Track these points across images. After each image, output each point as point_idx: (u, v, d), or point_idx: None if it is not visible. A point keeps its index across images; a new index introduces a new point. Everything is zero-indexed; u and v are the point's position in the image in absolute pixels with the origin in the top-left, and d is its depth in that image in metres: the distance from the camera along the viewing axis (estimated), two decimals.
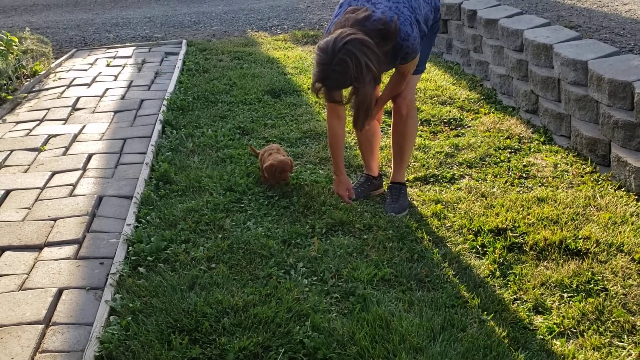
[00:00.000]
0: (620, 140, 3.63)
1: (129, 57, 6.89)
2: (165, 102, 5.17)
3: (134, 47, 7.35)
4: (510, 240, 3.08)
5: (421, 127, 4.66)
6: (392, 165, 3.62)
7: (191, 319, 2.53)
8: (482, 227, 3.21)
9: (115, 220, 3.41)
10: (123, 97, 5.48)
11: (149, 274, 2.87)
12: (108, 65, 6.58)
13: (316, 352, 2.34)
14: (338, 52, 2.74)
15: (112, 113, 5.11)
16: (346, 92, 3.03)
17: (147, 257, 2.99)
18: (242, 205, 3.53)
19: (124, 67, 6.46)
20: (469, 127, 4.64)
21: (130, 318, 2.54)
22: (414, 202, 3.55)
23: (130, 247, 3.08)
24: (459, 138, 4.41)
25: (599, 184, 3.64)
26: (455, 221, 3.31)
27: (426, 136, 4.49)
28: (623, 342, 2.42)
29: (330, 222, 3.31)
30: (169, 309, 2.59)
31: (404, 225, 3.28)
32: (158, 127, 4.65)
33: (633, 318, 2.54)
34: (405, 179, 3.66)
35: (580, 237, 3.08)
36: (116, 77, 6.13)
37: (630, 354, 2.35)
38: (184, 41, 7.41)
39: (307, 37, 7.54)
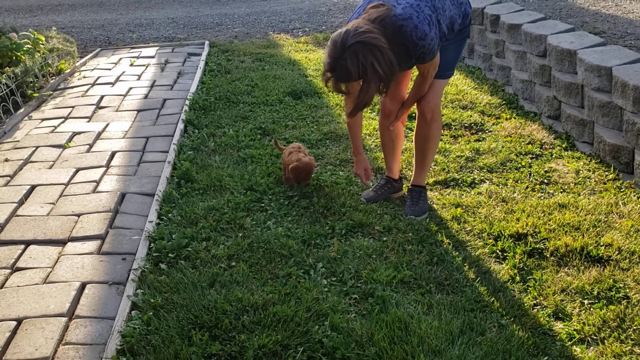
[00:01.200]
0: None
1: (152, 57, 6.97)
2: (187, 102, 5.22)
3: (157, 48, 7.43)
4: (530, 246, 3.06)
5: (442, 131, 4.64)
6: (413, 169, 3.60)
7: (211, 315, 2.56)
8: (503, 232, 3.20)
9: (137, 217, 3.45)
10: (146, 97, 5.55)
11: (170, 271, 2.90)
12: (132, 64, 6.66)
13: (335, 351, 2.36)
14: (347, 49, 2.74)
15: (135, 112, 5.17)
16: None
17: (169, 254, 3.02)
18: (263, 204, 3.56)
19: (147, 66, 6.53)
20: (490, 131, 4.62)
21: (151, 313, 2.57)
22: (434, 205, 3.55)
23: (152, 244, 3.12)
24: (480, 143, 4.40)
25: (621, 191, 3.61)
26: (475, 225, 3.30)
27: (447, 140, 4.48)
28: None
29: (350, 223, 3.32)
30: (190, 305, 2.62)
31: (423, 228, 3.28)
32: (180, 126, 4.70)
33: None
34: (426, 183, 3.66)
35: (602, 244, 3.05)
36: (139, 76, 6.20)
37: None
38: (207, 42, 7.47)
39: (328, 39, 7.56)
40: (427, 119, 3.31)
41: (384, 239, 3.19)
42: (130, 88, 5.80)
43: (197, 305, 2.62)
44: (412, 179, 3.58)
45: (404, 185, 3.74)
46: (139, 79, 6.11)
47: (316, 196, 3.62)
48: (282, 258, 3.02)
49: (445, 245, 3.12)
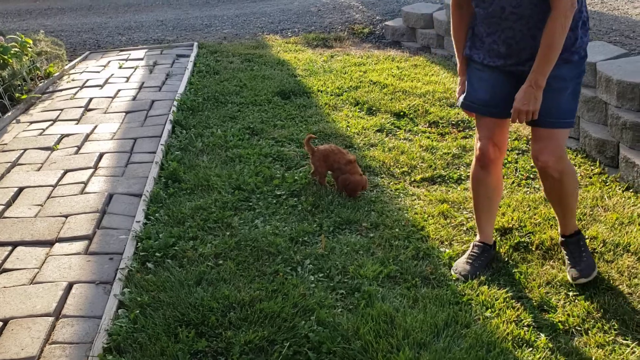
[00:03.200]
0: (628, 141, 3.63)
1: (141, 59, 6.96)
2: (175, 103, 5.22)
3: (145, 50, 7.42)
4: (516, 240, 3.09)
5: (429, 128, 4.68)
6: (557, 222, 2.94)
7: (198, 313, 2.56)
8: None
9: (124, 217, 3.45)
10: (134, 98, 5.54)
11: (157, 270, 2.91)
12: (120, 67, 6.66)
13: (321, 346, 2.37)
14: None
15: (124, 113, 5.17)
16: None
17: (156, 253, 3.03)
18: (251, 203, 3.57)
19: (135, 69, 6.53)
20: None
21: (138, 311, 2.57)
22: (420, 201, 3.57)
23: (139, 244, 3.13)
24: (467, 140, 4.42)
25: (607, 185, 3.64)
26: (461, 220, 3.32)
27: (434, 138, 4.50)
28: (627, 340, 2.42)
29: (337, 220, 3.33)
30: (176, 303, 2.63)
31: (410, 224, 3.30)
32: (168, 127, 4.71)
33: (638, 317, 2.54)
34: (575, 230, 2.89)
35: (587, 237, 3.08)
36: (128, 78, 6.20)
37: (634, 352, 2.36)
38: (195, 44, 7.48)
39: (318, 40, 7.58)
40: (556, 177, 2.64)
41: (371, 235, 3.20)
42: (119, 90, 5.79)
43: (184, 303, 2.63)
44: (559, 230, 2.90)
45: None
46: (127, 81, 6.10)
47: (304, 194, 3.63)
48: (269, 256, 3.03)
49: (431, 241, 3.14)
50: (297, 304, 2.62)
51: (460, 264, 2.88)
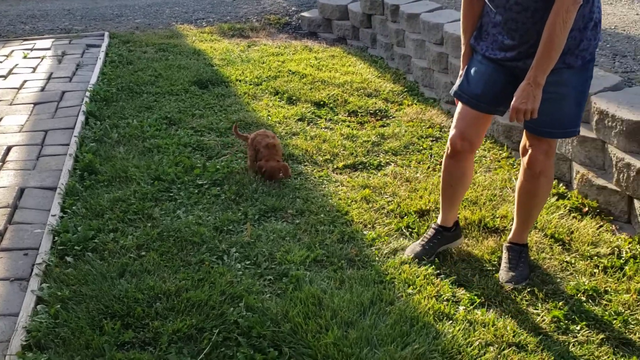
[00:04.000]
0: None
1: (48, 49, 6.62)
2: (88, 94, 5.02)
3: (52, 39, 7.06)
4: (433, 220, 3.22)
5: (349, 117, 4.77)
6: (513, 223, 2.93)
7: (123, 304, 2.51)
8: (408, 209, 3.35)
9: (38, 211, 3.30)
10: (43, 89, 5.28)
11: (77, 263, 2.81)
12: (25, 57, 6.30)
13: (250, 330, 2.39)
14: None
15: (32, 105, 4.92)
16: None
17: (75, 247, 2.92)
18: (171, 194, 3.51)
19: (42, 59, 6.21)
20: (394, 117, 4.79)
21: (59, 306, 2.49)
22: (343, 187, 3.65)
23: (56, 238, 3.01)
24: (385, 128, 4.55)
25: (514, 168, 3.87)
26: (382, 204, 3.43)
27: (354, 126, 4.60)
28: (537, 309, 2.60)
29: (262, 208, 3.35)
30: (99, 296, 2.56)
31: (334, 209, 3.37)
32: (81, 118, 4.53)
33: (546, 287, 2.74)
34: (527, 241, 2.91)
35: (497, 216, 3.27)
36: (34, 69, 5.89)
37: (543, 319, 2.54)
38: (106, 33, 7.20)
39: (233, 30, 7.51)
40: (536, 172, 2.67)
41: (297, 221, 3.25)
42: (25, 81, 5.49)
43: (107, 295, 2.56)
44: (510, 234, 2.91)
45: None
46: (34, 72, 5.79)
47: (227, 183, 3.61)
48: (193, 245, 3.00)
49: (355, 224, 3.23)
50: (225, 292, 2.62)
51: (414, 245, 2.96)
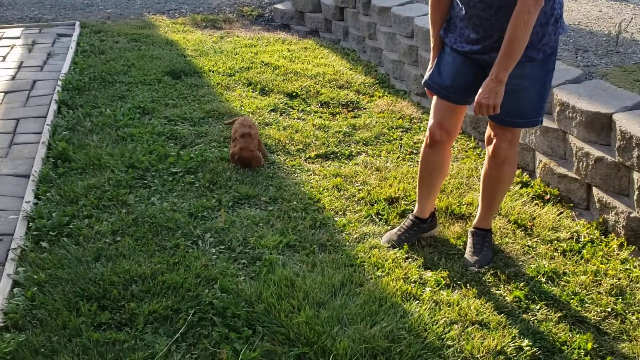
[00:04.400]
0: None
1: (18, 37, 6.55)
2: (60, 83, 5.01)
3: (22, 28, 6.98)
4: (402, 207, 3.34)
5: (321, 108, 4.86)
6: (478, 209, 3.04)
7: (99, 287, 2.56)
8: (378, 197, 3.45)
9: (12, 198, 3.32)
10: (13, 78, 5.24)
11: (52, 248, 2.85)
12: None
13: (225, 311, 2.46)
14: None
15: (2, 94, 4.88)
16: None
17: (49, 232, 2.95)
18: (146, 181, 3.55)
19: (12, 47, 6.14)
20: (365, 109, 4.89)
21: (35, 289, 2.52)
22: (316, 176, 3.74)
23: (30, 223, 3.03)
24: (356, 119, 4.65)
25: (480, 157, 4.00)
26: (353, 192, 3.53)
27: (326, 117, 4.69)
28: (500, 290, 2.74)
29: (236, 195, 3.41)
30: (75, 279, 2.61)
31: (307, 197, 3.45)
32: (53, 107, 4.52)
33: (508, 270, 2.87)
34: (491, 226, 3.04)
35: (464, 203, 3.40)
36: (4, 57, 5.83)
37: (505, 300, 2.67)
38: (77, 23, 7.14)
39: (206, 21, 7.52)
40: (499, 160, 2.79)
41: (270, 208, 3.32)
42: None
43: (83, 278, 2.61)
44: (475, 220, 3.03)
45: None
46: (4, 60, 5.74)
47: (201, 172, 3.67)
48: (168, 231, 3.06)
49: (326, 211, 3.32)
50: (200, 275, 2.69)
51: (390, 234, 3.06)
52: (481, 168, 3.77)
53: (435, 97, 2.86)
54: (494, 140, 2.79)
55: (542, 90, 2.67)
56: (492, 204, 2.96)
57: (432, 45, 2.88)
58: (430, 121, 2.87)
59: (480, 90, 2.54)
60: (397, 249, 2.96)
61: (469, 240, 2.98)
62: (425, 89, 2.91)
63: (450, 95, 2.78)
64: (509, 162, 2.82)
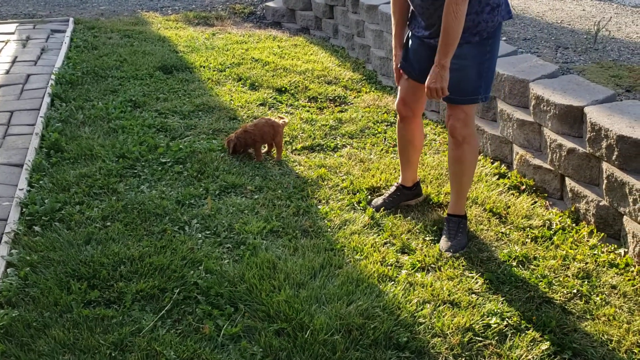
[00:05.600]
0: (479, 111, 4.15)
1: (12, 33, 6.65)
2: (53, 77, 5.12)
3: (16, 24, 7.08)
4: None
5: (309, 103, 4.98)
6: (450, 196, 3.21)
7: (89, 268, 2.68)
8: (360, 186, 3.58)
9: (6, 186, 3.43)
10: (8, 72, 5.35)
11: (44, 232, 2.96)
12: None
13: (209, 290, 2.59)
14: None
15: None
16: None
17: (42, 217, 3.07)
18: (136, 171, 3.67)
19: (7, 42, 6.25)
20: (352, 104, 5.02)
21: (28, 269, 2.64)
22: (301, 167, 3.86)
23: (24, 209, 3.15)
24: (343, 113, 4.78)
25: None
26: (337, 182, 3.65)
27: (313, 111, 4.82)
28: (472, 273, 2.87)
29: (223, 184, 3.54)
30: (67, 261, 2.72)
31: (292, 185, 3.58)
32: (47, 100, 4.63)
33: (481, 254, 3.00)
34: (465, 212, 3.19)
35: (442, 192, 3.53)
36: None
37: (477, 282, 2.80)
38: (71, 19, 7.25)
39: (199, 18, 7.64)
40: (458, 140, 3.00)
41: (256, 196, 3.45)
42: None
43: (74, 260, 2.73)
44: (449, 207, 3.19)
45: (421, 193, 3.48)
46: None
47: (189, 162, 3.79)
48: (156, 217, 3.18)
49: (310, 200, 3.44)
50: (186, 257, 2.82)
51: (377, 199, 3.41)
52: None
53: (402, 79, 3.18)
54: (450, 121, 3.02)
55: (480, 69, 2.91)
56: (460, 188, 3.14)
57: (393, 33, 3.16)
58: (397, 100, 3.25)
59: (429, 76, 2.82)
60: (376, 234, 3.09)
61: (445, 227, 3.13)
62: (401, 70, 3.16)
63: (409, 71, 3.10)
64: (468, 142, 3.02)
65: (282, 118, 4.16)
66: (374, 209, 3.30)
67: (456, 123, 2.97)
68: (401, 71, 3.15)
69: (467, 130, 3.00)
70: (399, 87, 3.21)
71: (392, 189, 3.41)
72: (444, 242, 3.06)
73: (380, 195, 3.48)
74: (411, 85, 3.12)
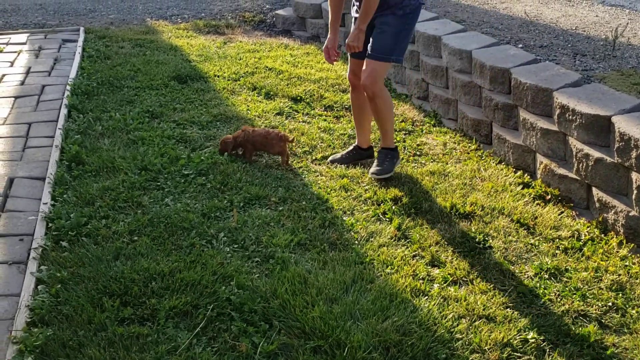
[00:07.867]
0: (500, 120, 4.13)
1: (24, 43, 6.64)
2: (68, 87, 5.10)
3: (27, 34, 7.08)
4: (408, 207, 3.44)
5: (325, 112, 4.97)
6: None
7: (120, 284, 2.65)
8: (384, 197, 3.56)
9: (29, 200, 3.41)
10: (23, 83, 5.34)
11: (72, 247, 2.94)
12: (1, 51, 6.32)
13: (242, 306, 2.56)
14: None
15: (13, 98, 4.98)
16: None
17: (69, 232, 3.05)
18: (159, 183, 3.65)
19: (19, 53, 6.24)
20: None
21: (59, 286, 2.62)
22: (323, 177, 3.84)
23: (49, 224, 3.12)
24: None
25: (482, 159, 4.12)
26: (360, 192, 3.63)
27: (330, 120, 4.80)
28: (505, 286, 2.84)
29: (247, 196, 3.52)
30: (97, 277, 2.70)
31: (315, 197, 3.56)
32: (64, 111, 4.62)
33: (512, 267, 2.98)
34: (395, 145, 3.92)
35: (467, 203, 3.51)
36: (12, 63, 5.92)
37: (510, 295, 2.78)
38: (82, 28, 7.24)
39: (209, 26, 7.63)
40: (369, 96, 3.70)
41: (280, 208, 3.43)
42: (4, 75, 5.54)
43: (105, 276, 2.70)
44: (380, 142, 3.93)
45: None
46: (12, 66, 5.83)
47: (212, 173, 3.77)
48: (183, 230, 3.15)
49: (335, 211, 3.42)
50: (216, 272, 2.79)
51: (335, 155, 4.06)
52: (483, 170, 3.91)
53: (349, 57, 3.92)
54: (361, 80, 3.70)
55: (397, 36, 3.66)
56: (384, 129, 3.84)
57: (330, 21, 3.88)
58: (347, 72, 4.00)
59: (349, 36, 3.70)
60: (404, 247, 3.07)
61: (375, 157, 3.87)
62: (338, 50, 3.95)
63: (355, 52, 3.78)
64: (379, 96, 3.69)
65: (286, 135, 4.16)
66: (330, 162, 3.96)
67: (366, 80, 3.64)
68: (335, 51, 3.88)
69: (375, 86, 3.65)
70: (349, 62, 3.95)
71: (350, 148, 4.06)
72: (372, 168, 3.75)
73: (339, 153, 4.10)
74: (354, 61, 3.86)
